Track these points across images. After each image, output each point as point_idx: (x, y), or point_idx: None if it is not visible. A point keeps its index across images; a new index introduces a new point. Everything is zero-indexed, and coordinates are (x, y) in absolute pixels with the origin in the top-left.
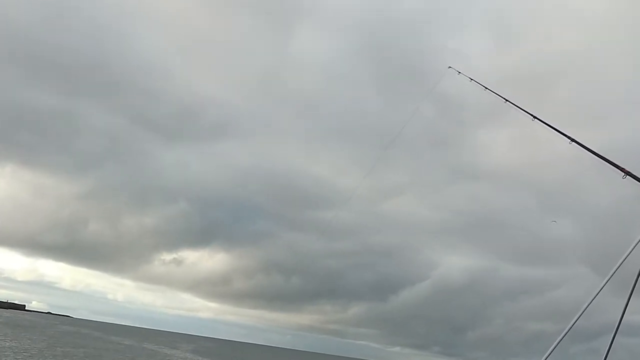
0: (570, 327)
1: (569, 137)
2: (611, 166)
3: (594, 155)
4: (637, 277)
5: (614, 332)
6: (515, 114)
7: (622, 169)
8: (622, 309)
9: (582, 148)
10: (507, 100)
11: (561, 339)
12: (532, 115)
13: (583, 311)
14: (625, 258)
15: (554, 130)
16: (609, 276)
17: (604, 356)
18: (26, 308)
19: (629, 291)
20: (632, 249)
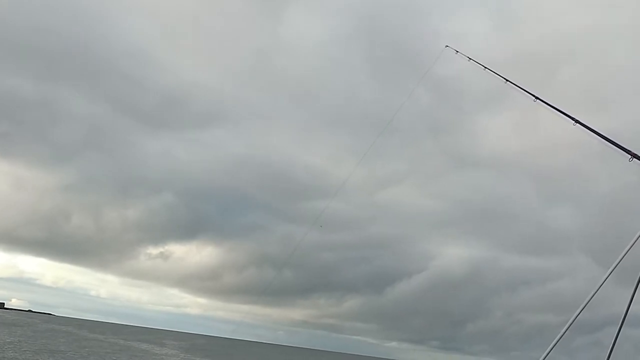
0: (573, 321)
1: (573, 119)
2: (617, 149)
3: (599, 138)
4: None
5: (620, 324)
6: (516, 96)
7: (628, 152)
8: (628, 299)
9: (587, 130)
10: (507, 80)
11: (563, 334)
12: (534, 96)
13: (586, 304)
14: (631, 247)
15: (557, 112)
16: (613, 266)
17: (610, 348)
18: (5, 306)
19: (636, 281)
20: (638, 237)
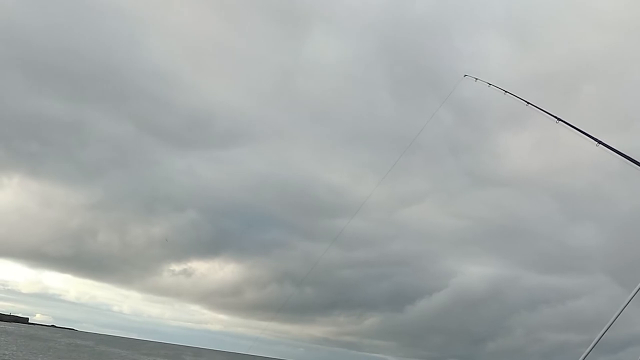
0: (596, 343)
1: (595, 139)
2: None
3: (622, 158)
4: None
5: None
6: (537, 118)
7: None
8: None
9: (609, 150)
10: (529, 103)
11: (586, 355)
12: (556, 117)
13: (609, 326)
14: None
15: (579, 133)
16: (636, 289)
17: None
18: (30, 321)
19: None
20: None
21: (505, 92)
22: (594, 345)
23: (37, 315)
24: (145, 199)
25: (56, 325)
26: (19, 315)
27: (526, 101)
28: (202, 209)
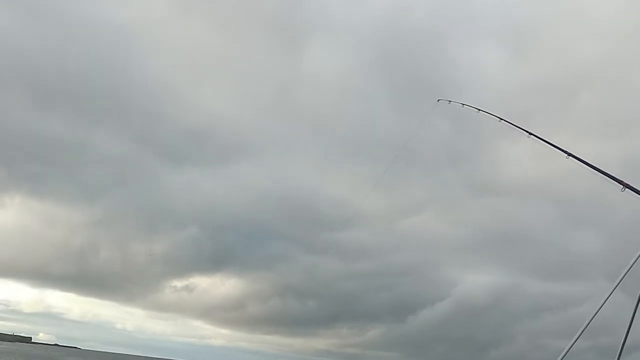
0: (580, 334)
1: (565, 152)
2: (609, 179)
3: (591, 169)
4: None
5: (621, 345)
6: (511, 132)
7: (620, 182)
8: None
9: (579, 162)
10: (501, 119)
11: (571, 346)
12: (527, 132)
13: (594, 316)
14: (632, 265)
15: (550, 146)
16: (616, 283)
17: None
18: (32, 340)
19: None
20: (637, 259)
21: (479, 110)
22: (578, 337)
23: (40, 335)
24: (146, 216)
25: (59, 344)
26: (22, 334)
27: (499, 117)
28: (203, 225)
